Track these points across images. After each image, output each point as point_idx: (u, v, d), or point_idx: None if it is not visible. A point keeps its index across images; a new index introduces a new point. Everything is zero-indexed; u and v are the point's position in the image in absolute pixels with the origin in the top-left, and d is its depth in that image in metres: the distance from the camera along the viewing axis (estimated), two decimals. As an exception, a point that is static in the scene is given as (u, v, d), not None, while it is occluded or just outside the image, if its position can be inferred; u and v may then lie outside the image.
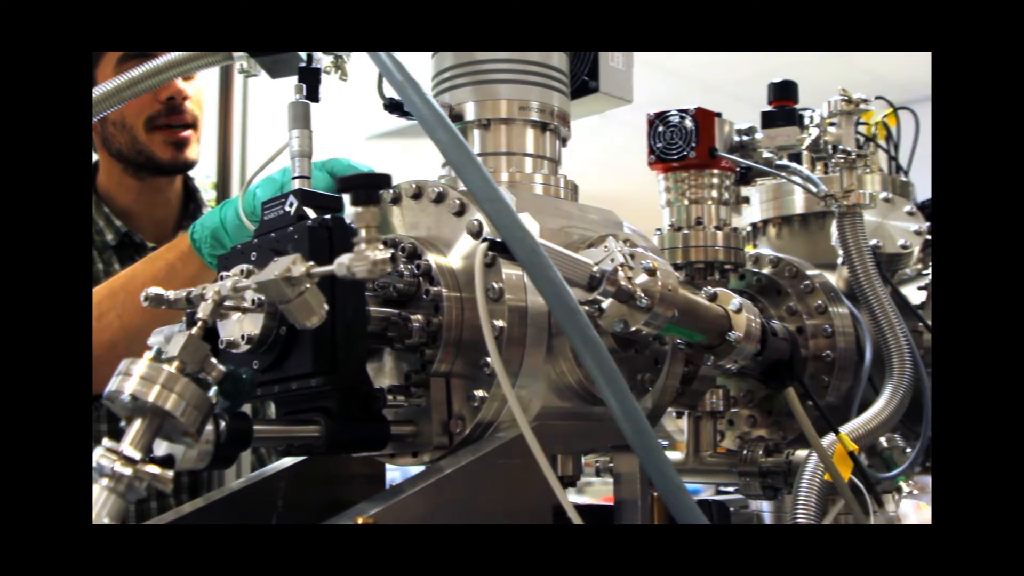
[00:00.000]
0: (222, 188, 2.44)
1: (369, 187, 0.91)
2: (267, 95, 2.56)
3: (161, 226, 2.20)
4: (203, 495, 1.34)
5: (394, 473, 1.40)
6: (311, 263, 0.94)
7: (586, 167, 1.32)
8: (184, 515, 1.21)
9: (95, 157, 2.20)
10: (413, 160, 2.77)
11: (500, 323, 1.15)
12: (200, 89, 2.17)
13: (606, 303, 1.15)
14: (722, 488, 1.97)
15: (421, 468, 1.23)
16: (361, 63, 1.43)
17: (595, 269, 1.11)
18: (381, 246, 0.90)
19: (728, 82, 6.77)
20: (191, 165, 2.17)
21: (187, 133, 2.11)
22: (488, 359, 1.16)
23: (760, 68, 5.86)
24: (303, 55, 1.35)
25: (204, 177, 2.44)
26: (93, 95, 1.31)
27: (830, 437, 1.43)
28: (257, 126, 2.56)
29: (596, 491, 4.13)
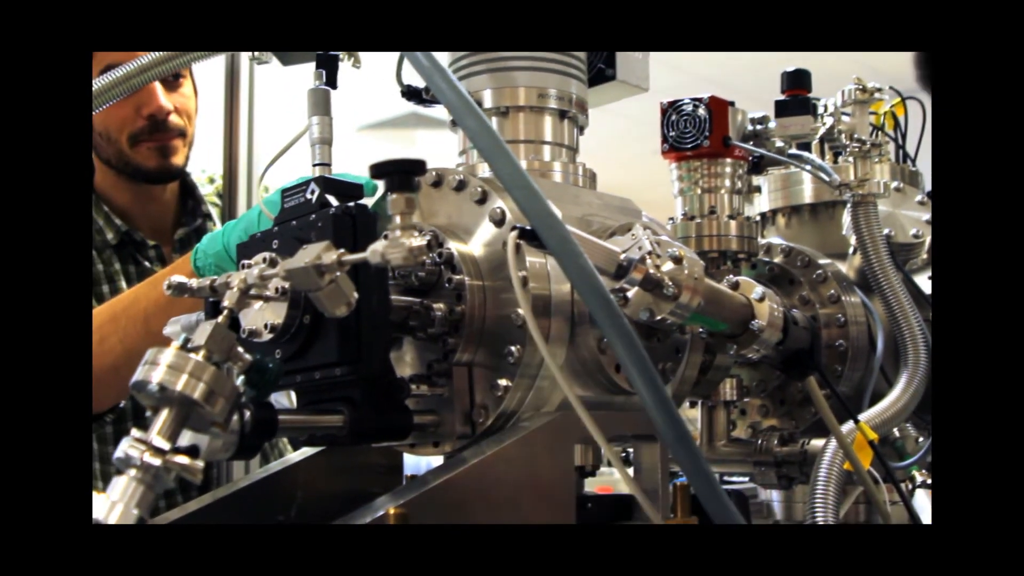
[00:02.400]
0: (229, 182, 2.42)
1: (403, 173, 0.89)
2: (275, 87, 2.54)
3: (159, 223, 2.19)
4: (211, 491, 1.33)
5: (411, 462, 1.39)
6: (342, 250, 0.92)
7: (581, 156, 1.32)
8: (205, 505, 1.20)
9: None
10: (406, 152, 2.75)
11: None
12: (189, 96, 2.13)
13: (631, 291, 1.14)
14: (727, 477, 1.97)
15: (441, 458, 1.23)
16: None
17: (623, 257, 1.10)
18: (416, 232, 0.89)
19: (727, 75, 6.75)
20: (179, 172, 2.15)
21: (173, 141, 2.08)
22: (512, 348, 1.15)
23: (750, 60, 5.87)
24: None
25: (200, 172, 2.42)
26: (93, 86, 1.29)
27: (848, 426, 1.42)
28: (264, 119, 2.54)
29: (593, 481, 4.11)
